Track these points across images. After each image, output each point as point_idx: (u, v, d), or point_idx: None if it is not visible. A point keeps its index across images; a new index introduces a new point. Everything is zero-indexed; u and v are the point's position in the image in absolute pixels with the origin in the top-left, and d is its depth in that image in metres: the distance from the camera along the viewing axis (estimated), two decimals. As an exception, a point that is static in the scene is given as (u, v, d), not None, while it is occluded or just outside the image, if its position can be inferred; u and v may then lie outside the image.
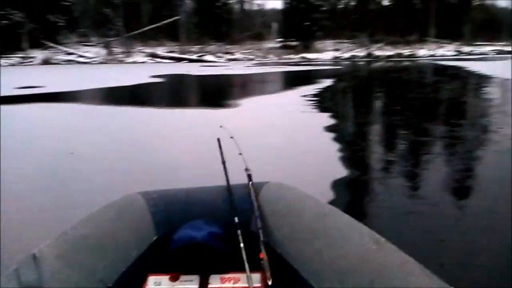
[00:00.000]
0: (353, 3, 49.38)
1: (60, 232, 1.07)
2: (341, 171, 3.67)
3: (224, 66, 25.68)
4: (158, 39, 34.84)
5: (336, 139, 4.97)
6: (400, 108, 7.87)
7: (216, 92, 12.32)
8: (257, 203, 1.21)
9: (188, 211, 1.25)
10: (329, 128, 5.63)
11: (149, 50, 32.04)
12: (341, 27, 41.83)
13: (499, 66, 18.95)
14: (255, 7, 51.68)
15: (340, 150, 4.44)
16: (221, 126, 1.78)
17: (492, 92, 10.56)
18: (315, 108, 7.71)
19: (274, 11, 58.72)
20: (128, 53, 30.98)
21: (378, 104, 9.08)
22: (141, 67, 24.20)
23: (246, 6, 50.39)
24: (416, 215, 2.73)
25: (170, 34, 35.36)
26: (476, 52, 34.95)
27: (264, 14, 55.01)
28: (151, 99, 10.78)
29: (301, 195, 1.26)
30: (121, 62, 29.39)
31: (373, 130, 6.05)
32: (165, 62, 29.70)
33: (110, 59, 29.69)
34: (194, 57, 31.61)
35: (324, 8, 41.01)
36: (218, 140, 1.57)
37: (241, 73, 19.54)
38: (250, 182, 1.29)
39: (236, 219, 1.15)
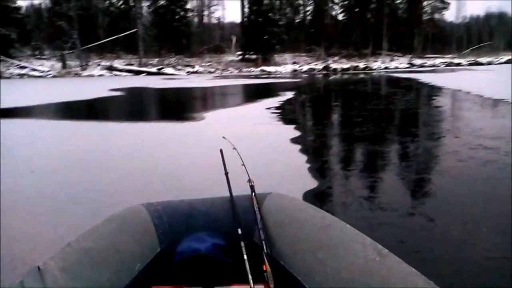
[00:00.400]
0: (309, 18, 50.89)
1: (64, 245, 1.07)
2: (311, 183, 3.73)
3: (185, 79, 25.54)
4: (116, 52, 34.18)
5: (303, 151, 5.06)
6: (361, 119, 8.13)
7: (179, 105, 12.23)
8: (260, 214, 1.21)
9: (191, 223, 1.24)
10: (295, 140, 5.73)
11: (106, 63, 31.34)
12: (298, 41, 42.85)
13: (451, 78, 20.09)
14: (214, 21, 52.03)
15: (308, 162, 4.52)
16: (224, 137, 1.80)
17: (445, 102, 11.15)
18: (280, 121, 7.81)
19: (232, 25, 59.39)
20: (84, 66, 30.15)
21: (339, 115, 9.32)
22: (99, 81, 23.64)
23: (205, 20, 50.63)
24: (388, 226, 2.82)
25: (128, 47, 34.79)
26: (427, 64, 36.72)
27: (222, 27, 55.42)
28: (112, 113, 10.54)
29: (304, 206, 1.27)
30: (77, 75, 28.54)
31: (337, 141, 6.21)
32: (123, 75, 29.13)
33: (66, 73, 28.76)
34: (153, 70, 31.23)
35: (282, 23, 41.82)
36: (221, 151, 1.56)
37: (203, 86, 19.51)
38: (253, 193, 1.30)
39: (239, 231, 1.15)
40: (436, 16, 49.43)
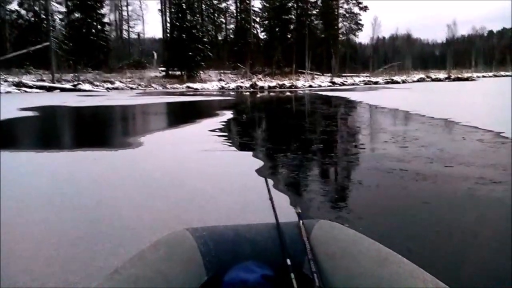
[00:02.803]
0: (231, 36, 51.03)
1: (111, 271, 1.04)
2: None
3: (105, 95, 23.61)
4: (25, 67, 30.93)
5: (279, 187, 4.29)
6: (318, 138, 7.60)
7: (107, 128, 10.78)
8: (309, 244, 1.16)
9: (237, 251, 1.18)
10: (261, 171, 4.94)
11: (14, 78, 28.09)
12: (222, 58, 42.54)
13: (378, 96, 20.79)
14: (133, 35, 49.92)
15: (291, 201, 3.75)
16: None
17: (378, 117, 11.13)
18: (232, 145, 6.98)
19: (152, 40, 57.61)
20: (-13, 82, 26.67)
21: (296, 139, 8.73)
22: (6, 98, 20.89)
23: (125, 34, 48.33)
24: None
25: (39, 62, 31.70)
26: (348, 82, 38.32)
27: (143, 42, 53.42)
28: (25, 139, 8.86)
29: (356, 236, 1.18)
30: (-21, 92, 25.11)
31: (313, 171, 5.53)
32: (34, 92, 26.27)
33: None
34: (68, 86, 28.66)
35: (206, 40, 41.27)
36: (265, 177, 1.62)
37: (128, 103, 18.00)
38: (301, 221, 1.24)
39: (289, 261, 1.10)
40: (351, 36, 52.42)
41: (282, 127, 10.24)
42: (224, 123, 10.20)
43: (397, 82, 39.01)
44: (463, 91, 24.25)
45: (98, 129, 10.27)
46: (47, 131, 10.29)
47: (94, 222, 3.18)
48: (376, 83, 38.40)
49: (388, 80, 39.77)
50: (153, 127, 10.45)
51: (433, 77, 44.89)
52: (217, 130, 8.83)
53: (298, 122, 11.42)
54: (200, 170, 5.07)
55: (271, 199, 1.41)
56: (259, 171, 4.88)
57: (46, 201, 3.80)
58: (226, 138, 7.91)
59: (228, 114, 12.57)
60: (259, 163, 5.47)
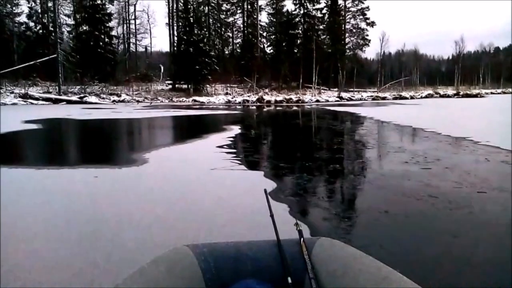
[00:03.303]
0: (238, 50, 51.07)
1: (112, 286, 1.03)
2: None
3: (110, 108, 23.41)
4: (32, 79, 30.93)
5: (295, 213, 3.89)
6: (333, 157, 7.20)
7: (111, 142, 10.44)
8: (310, 262, 1.16)
9: (238, 268, 1.18)
10: (276, 195, 4.53)
11: (21, 90, 28.03)
12: (228, 72, 42.48)
13: (389, 112, 20.39)
14: (141, 48, 50.10)
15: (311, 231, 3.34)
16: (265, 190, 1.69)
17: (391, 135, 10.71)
18: (241, 164, 6.59)
19: (159, 53, 57.83)
20: (-5, 94, 26.62)
21: (311, 157, 8.33)
22: (11, 110, 20.74)
23: (132, 47, 48.49)
24: None
25: (46, 74, 31.73)
26: (355, 98, 37.98)
27: (150, 55, 53.59)
28: (26, 154, 8.53)
29: (358, 254, 1.17)
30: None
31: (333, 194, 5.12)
32: (40, 104, 26.15)
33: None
34: (74, 98, 28.56)
35: (213, 53, 41.29)
36: (265, 191, 1.55)
37: (134, 117, 17.73)
38: (301, 239, 1.23)
39: (289, 280, 1.10)
40: (358, 51, 52.27)
41: (294, 144, 9.84)
42: (232, 139, 9.83)
43: (406, 98, 38.60)
44: (475, 108, 23.77)
45: (101, 144, 9.93)
46: (49, 145, 9.96)
47: (93, 238, 3.12)
48: (384, 98, 38.02)
49: (396, 96, 39.39)
50: (159, 142, 10.10)
51: (442, 93, 44.41)
52: (225, 147, 8.46)
53: (310, 139, 11.03)
54: (207, 191, 4.69)
55: (271, 215, 1.38)
56: (272, 193, 4.48)
57: (42, 220, 3.55)
58: (234, 155, 7.53)
59: (236, 129, 12.21)
60: (272, 184, 5.07)
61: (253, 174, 5.80)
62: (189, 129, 14.07)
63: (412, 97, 39.64)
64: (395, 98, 38.29)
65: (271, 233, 1.29)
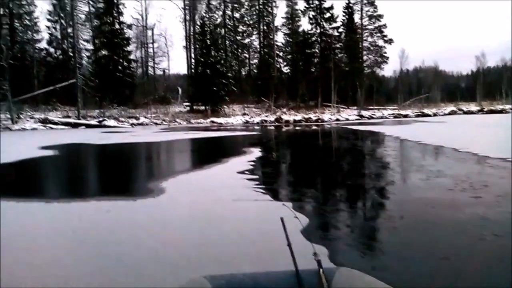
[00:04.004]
0: (255, 70, 51.05)
1: None
2: None
3: (129, 132, 23.24)
4: (52, 104, 31.25)
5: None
6: (368, 184, 6.58)
7: (126, 169, 10.01)
8: None
9: None
10: (308, 232, 3.94)
11: (40, 115, 28.26)
12: (245, 92, 42.29)
13: (410, 130, 19.57)
14: (159, 71, 50.52)
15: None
16: (284, 204, 1.87)
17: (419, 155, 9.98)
18: (266, 193, 6.02)
19: (177, 76, 58.29)
20: (15, 119, 26.81)
21: (337, 182, 7.70)
22: (31, 135, 20.74)
23: (150, 70, 48.96)
24: None
25: (65, 98, 32.05)
26: (376, 116, 37.13)
27: (168, 78, 54.01)
28: (36, 185, 8.06)
29: (378, 284, 1.12)
30: (7, 129, 25.20)
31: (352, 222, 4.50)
32: (59, 129, 26.22)
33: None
34: (93, 122, 28.61)
35: (230, 75, 41.27)
36: (282, 219, 1.45)
37: (151, 140, 17.41)
38: (321, 269, 1.18)
39: None
40: (375, 68, 51.55)
41: (322, 169, 9.20)
42: (253, 163, 9.29)
43: (428, 115, 37.53)
44: (505, 125, 22.73)
45: (117, 172, 9.48)
46: (63, 174, 9.58)
47: (109, 271, 3.06)
48: (406, 116, 37.04)
49: (419, 113, 38.34)
50: (177, 168, 9.63)
51: (465, 109, 43.14)
52: (246, 172, 7.91)
53: (339, 162, 10.38)
54: (229, 225, 4.15)
55: (289, 244, 1.32)
56: (304, 232, 3.87)
57: (50, 258, 3.32)
58: (257, 182, 6.96)
59: (256, 152, 11.67)
60: (303, 219, 4.45)
61: (280, 206, 5.20)
62: (207, 152, 13.56)
63: (435, 114, 38.52)
64: (418, 116, 37.25)
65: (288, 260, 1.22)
